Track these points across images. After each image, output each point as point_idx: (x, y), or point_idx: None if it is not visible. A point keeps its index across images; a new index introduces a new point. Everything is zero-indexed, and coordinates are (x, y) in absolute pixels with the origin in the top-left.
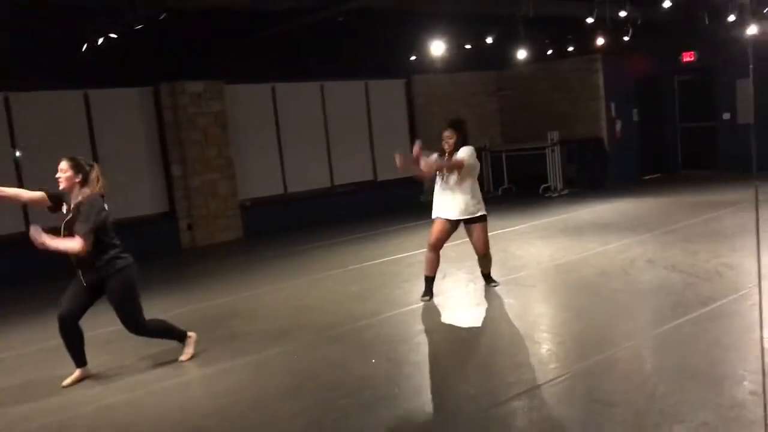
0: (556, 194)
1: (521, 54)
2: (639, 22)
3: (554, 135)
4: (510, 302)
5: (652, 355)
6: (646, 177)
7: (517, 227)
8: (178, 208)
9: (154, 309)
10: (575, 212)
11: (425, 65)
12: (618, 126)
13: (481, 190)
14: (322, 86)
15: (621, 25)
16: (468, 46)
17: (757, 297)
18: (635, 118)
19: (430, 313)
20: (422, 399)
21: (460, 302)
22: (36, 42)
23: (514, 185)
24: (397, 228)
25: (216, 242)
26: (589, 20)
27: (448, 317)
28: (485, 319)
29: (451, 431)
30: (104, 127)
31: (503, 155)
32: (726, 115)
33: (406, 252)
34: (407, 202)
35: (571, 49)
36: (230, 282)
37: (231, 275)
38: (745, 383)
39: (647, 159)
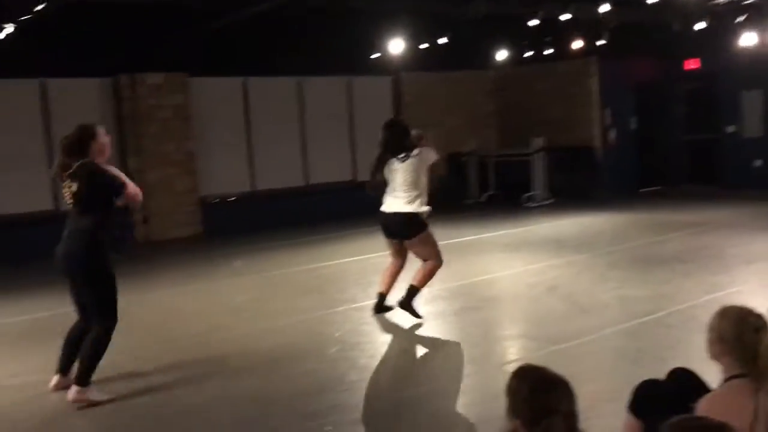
0: (536, 204)
1: (509, 53)
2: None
3: (539, 141)
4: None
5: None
6: (644, 189)
7: (466, 238)
8: None
9: None
10: (540, 225)
11: (415, 62)
12: (612, 134)
13: (465, 197)
14: (300, 82)
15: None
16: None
17: (605, 342)
18: (633, 126)
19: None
20: None
21: None
22: None
23: (501, 192)
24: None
25: (171, 237)
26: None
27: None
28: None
29: None
30: (62, 117)
31: (491, 161)
32: (730, 128)
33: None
34: None
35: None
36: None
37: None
38: None
39: (646, 170)
